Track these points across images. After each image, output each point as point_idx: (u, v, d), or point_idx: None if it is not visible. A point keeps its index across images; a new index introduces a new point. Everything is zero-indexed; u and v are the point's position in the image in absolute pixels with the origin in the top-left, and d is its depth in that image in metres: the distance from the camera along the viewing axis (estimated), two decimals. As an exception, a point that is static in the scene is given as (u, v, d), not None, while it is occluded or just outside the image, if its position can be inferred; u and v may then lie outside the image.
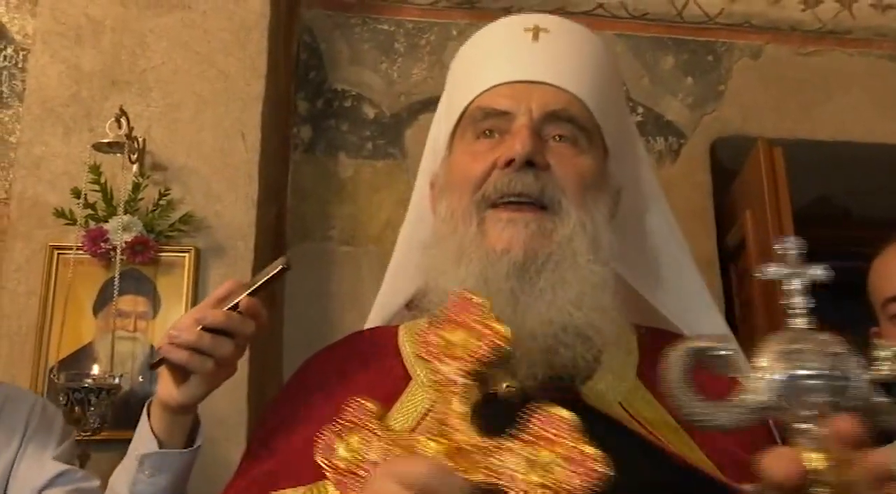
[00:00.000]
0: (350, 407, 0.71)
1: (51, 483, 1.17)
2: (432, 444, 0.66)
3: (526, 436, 0.63)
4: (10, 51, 2.47)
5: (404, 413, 0.91)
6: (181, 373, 0.98)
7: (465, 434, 0.66)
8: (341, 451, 0.69)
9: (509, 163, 0.93)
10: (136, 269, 2.00)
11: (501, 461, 0.63)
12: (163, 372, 1.01)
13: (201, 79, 2.21)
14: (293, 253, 2.46)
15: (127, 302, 1.97)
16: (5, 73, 2.46)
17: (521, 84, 0.99)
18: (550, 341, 0.88)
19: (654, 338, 0.97)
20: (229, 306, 0.96)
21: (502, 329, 0.69)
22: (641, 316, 1.05)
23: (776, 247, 0.73)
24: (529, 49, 1.03)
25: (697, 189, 2.63)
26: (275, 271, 0.96)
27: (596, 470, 0.59)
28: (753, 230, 2.42)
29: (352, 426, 0.70)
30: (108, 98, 2.16)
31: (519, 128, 0.95)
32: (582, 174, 0.96)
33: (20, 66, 2.44)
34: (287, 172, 2.52)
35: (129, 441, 1.87)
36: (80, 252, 1.96)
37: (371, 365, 1.00)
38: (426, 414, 0.89)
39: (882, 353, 0.68)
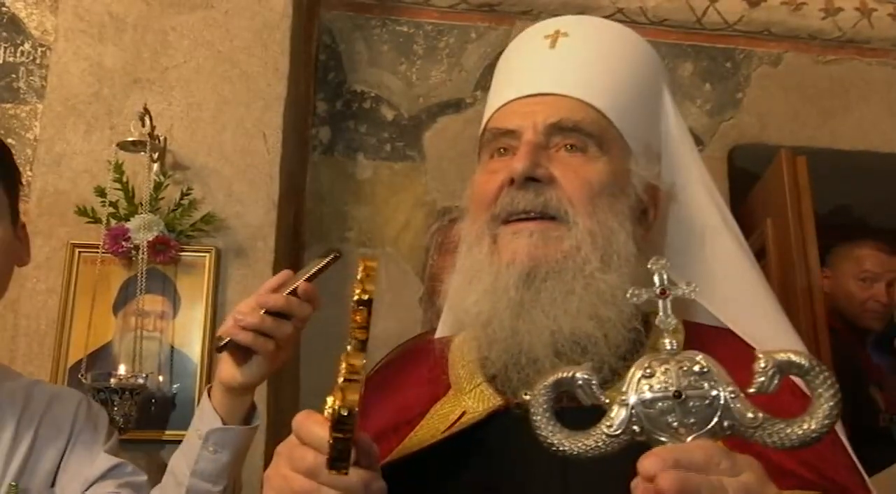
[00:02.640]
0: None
1: (104, 475, 1.19)
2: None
3: None
4: (27, 46, 2.47)
5: (438, 417, 0.94)
6: (242, 355, 1.04)
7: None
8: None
9: (512, 181, 0.94)
10: (156, 269, 1.99)
11: None
12: (224, 356, 1.06)
13: (223, 78, 2.20)
14: (311, 254, 2.46)
15: (147, 302, 1.97)
16: (23, 68, 2.45)
17: (530, 98, 1.00)
18: (551, 351, 0.89)
19: (696, 337, 0.97)
20: (288, 291, 1.01)
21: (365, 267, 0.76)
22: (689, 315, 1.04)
23: (649, 266, 0.73)
24: (544, 59, 1.04)
25: (715, 196, 2.63)
26: (328, 258, 1.03)
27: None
28: (774, 238, 2.42)
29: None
30: (129, 96, 2.15)
31: (521, 145, 0.96)
32: (590, 182, 0.95)
33: (38, 62, 2.44)
34: (306, 173, 2.51)
35: (151, 441, 1.91)
36: (102, 251, 1.95)
37: (422, 374, 1.03)
38: (457, 421, 0.91)
39: (758, 366, 0.67)
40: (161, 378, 1.92)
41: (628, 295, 0.73)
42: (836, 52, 2.80)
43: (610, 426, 0.67)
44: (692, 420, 0.65)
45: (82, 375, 1.76)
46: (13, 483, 1.12)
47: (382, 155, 2.58)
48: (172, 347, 1.98)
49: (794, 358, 0.66)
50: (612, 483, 0.74)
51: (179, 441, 1.87)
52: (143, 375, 1.75)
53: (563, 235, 0.92)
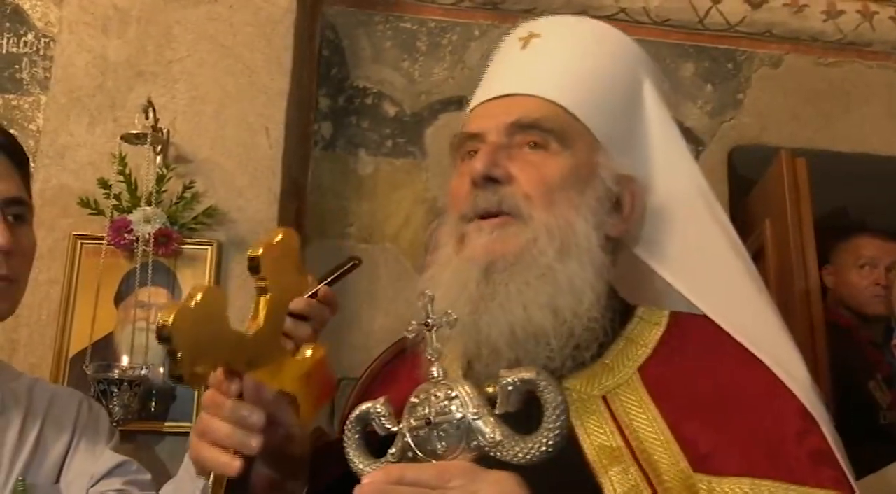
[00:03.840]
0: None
1: (110, 472, 1.20)
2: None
3: None
4: (31, 37, 2.47)
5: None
6: None
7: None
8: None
9: (475, 182, 0.98)
10: (158, 261, 2.00)
11: None
12: None
13: (226, 72, 2.21)
14: (311, 250, 2.47)
15: (148, 294, 1.98)
16: (26, 59, 2.45)
17: (497, 100, 1.04)
18: (510, 342, 0.93)
19: (677, 325, 1.00)
20: (309, 295, 1.05)
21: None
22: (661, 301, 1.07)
23: (417, 301, 0.82)
24: (514, 61, 1.08)
25: (714, 196, 2.63)
26: (348, 266, 1.10)
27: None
28: (773, 239, 2.43)
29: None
30: (133, 89, 2.16)
31: (482, 147, 1.00)
32: (548, 177, 0.98)
33: (41, 53, 2.44)
34: (307, 168, 2.52)
35: (147, 432, 1.92)
36: (107, 243, 1.96)
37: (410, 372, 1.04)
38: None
39: (500, 383, 0.74)
40: (162, 370, 1.93)
41: (406, 332, 0.82)
42: (837, 55, 2.80)
43: (393, 453, 0.76)
44: (445, 443, 0.73)
45: (86, 366, 1.77)
46: (20, 479, 1.13)
47: (384, 151, 2.58)
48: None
49: (524, 374, 0.74)
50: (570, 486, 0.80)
51: (179, 434, 1.91)
52: (145, 367, 1.76)
53: (520, 230, 0.96)
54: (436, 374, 0.76)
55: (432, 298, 0.81)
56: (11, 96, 2.40)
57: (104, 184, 1.99)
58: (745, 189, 2.72)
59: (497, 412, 0.73)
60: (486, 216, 0.97)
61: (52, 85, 2.18)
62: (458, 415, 0.72)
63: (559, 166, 0.99)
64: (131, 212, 1.97)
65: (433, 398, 0.74)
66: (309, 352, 0.92)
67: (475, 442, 0.72)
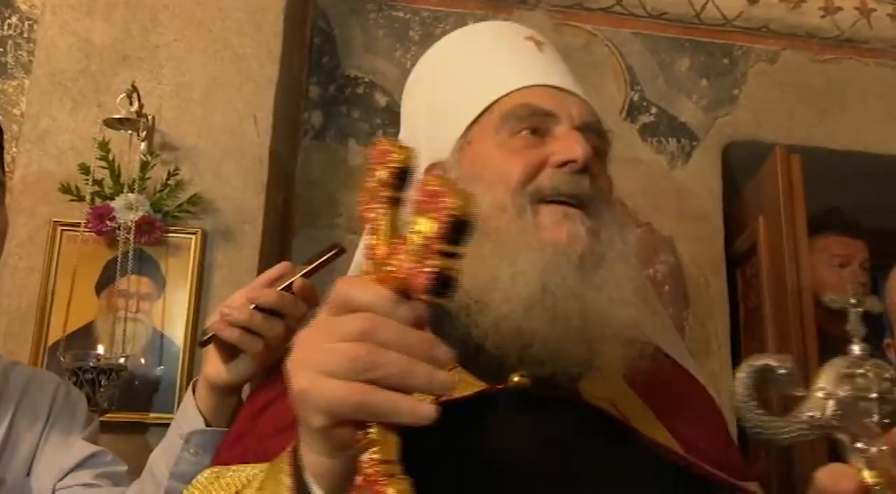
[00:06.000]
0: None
1: (81, 464, 1.15)
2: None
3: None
4: (14, 20, 2.42)
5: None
6: (230, 352, 0.97)
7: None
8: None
9: (565, 164, 0.93)
10: (141, 249, 1.96)
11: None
12: (211, 350, 0.99)
13: (214, 58, 2.16)
14: (299, 240, 2.43)
15: (131, 283, 1.94)
16: (10, 42, 2.40)
17: (556, 89, 0.99)
18: (599, 335, 0.88)
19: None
20: (283, 287, 0.95)
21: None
22: None
23: (849, 283, 0.82)
24: (542, 58, 1.04)
25: (708, 192, 2.61)
26: (329, 254, 0.97)
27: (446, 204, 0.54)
28: (766, 236, 2.41)
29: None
30: (118, 73, 2.11)
31: (568, 132, 0.95)
32: (610, 188, 0.99)
33: (25, 35, 2.39)
34: (296, 157, 2.48)
35: (133, 423, 1.88)
36: (85, 229, 1.91)
37: None
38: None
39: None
40: (143, 360, 1.90)
41: (827, 299, 0.80)
42: (833, 52, 2.78)
43: (813, 416, 0.73)
44: (885, 421, 0.72)
45: (60, 354, 1.73)
46: None
47: (374, 141, 2.54)
48: (157, 329, 1.95)
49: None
50: (613, 469, 0.77)
51: (163, 424, 1.88)
52: (124, 356, 1.72)
53: (600, 229, 0.93)
54: (860, 351, 0.76)
55: (860, 281, 0.83)
56: (-5, 80, 2.35)
57: (85, 169, 1.95)
58: (739, 185, 2.70)
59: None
60: (570, 203, 0.92)
61: (35, 68, 2.14)
62: None
63: (610, 180, 1.00)
64: (114, 199, 1.93)
65: (877, 375, 0.73)
66: None
67: None
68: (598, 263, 0.91)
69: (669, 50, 2.72)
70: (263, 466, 0.75)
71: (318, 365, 0.56)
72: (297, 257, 2.50)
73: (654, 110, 2.66)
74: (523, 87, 0.99)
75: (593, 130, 0.98)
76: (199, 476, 0.85)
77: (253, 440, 0.89)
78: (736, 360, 2.53)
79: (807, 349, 2.18)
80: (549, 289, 0.87)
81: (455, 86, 1.06)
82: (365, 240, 0.68)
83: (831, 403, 0.72)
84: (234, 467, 0.83)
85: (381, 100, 2.58)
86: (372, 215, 0.61)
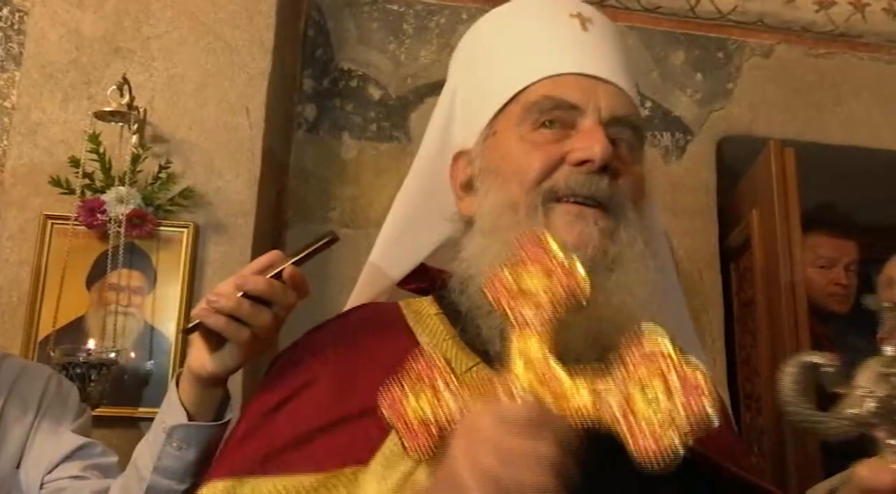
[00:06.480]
0: (417, 359, 0.69)
1: (70, 456, 1.13)
2: (521, 371, 0.65)
3: (619, 372, 0.63)
4: (6, 11, 2.39)
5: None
6: (215, 341, 0.94)
7: (552, 372, 0.65)
8: (412, 403, 0.68)
9: (583, 162, 0.90)
10: (132, 243, 1.95)
11: (600, 395, 0.62)
12: (196, 340, 0.96)
13: (206, 50, 2.15)
14: (292, 234, 2.42)
15: (122, 277, 1.92)
16: (1, 34, 2.38)
17: (588, 78, 0.94)
18: (609, 343, 0.85)
19: None
20: (272, 274, 0.92)
21: (582, 272, 0.68)
22: None
23: (882, 277, 0.82)
24: (582, 39, 0.98)
25: (702, 186, 2.61)
26: (322, 242, 0.94)
27: (705, 392, 0.60)
28: (759, 230, 2.41)
29: (421, 379, 0.68)
30: (109, 65, 2.10)
31: (591, 126, 0.91)
32: (639, 183, 0.95)
33: (17, 27, 2.37)
34: (290, 151, 2.47)
35: (121, 418, 1.87)
36: (76, 223, 1.90)
37: (384, 345, 0.95)
38: None
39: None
40: (134, 354, 1.89)
41: (865, 301, 0.81)
42: (828, 46, 2.78)
43: (856, 413, 0.74)
44: None
45: (50, 349, 1.72)
46: None
47: (368, 135, 2.53)
48: (148, 323, 1.94)
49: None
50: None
51: (153, 419, 1.86)
52: (114, 350, 1.71)
53: (620, 229, 0.90)
54: (891, 352, 0.77)
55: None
56: (-14, 72, 2.33)
57: (75, 162, 1.93)
58: (733, 179, 2.69)
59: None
60: (586, 203, 0.89)
61: (25, 60, 2.12)
62: None
63: (641, 175, 0.96)
64: (105, 192, 1.91)
65: None
66: None
67: None
68: (612, 266, 0.88)
69: (664, 44, 2.72)
70: (288, 482, 0.77)
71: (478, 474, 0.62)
72: (290, 251, 2.47)
73: (648, 104, 2.65)
74: (551, 76, 0.95)
75: (624, 123, 0.94)
76: (210, 490, 0.83)
77: (265, 440, 0.87)
78: (729, 354, 2.53)
79: (799, 343, 2.18)
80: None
81: (488, 71, 1.03)
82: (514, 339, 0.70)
83: (870, 401, 0.74)
84: (250, 481, 0.82)
85: (375, 93, 2.57)
86: (529, 321, 0.67)
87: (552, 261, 0.68)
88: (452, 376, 0.69)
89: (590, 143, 0.89)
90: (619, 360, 0.64)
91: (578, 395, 0.64)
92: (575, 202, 0.89)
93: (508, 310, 0.69)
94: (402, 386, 0.70)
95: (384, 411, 0.70)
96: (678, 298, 1.16)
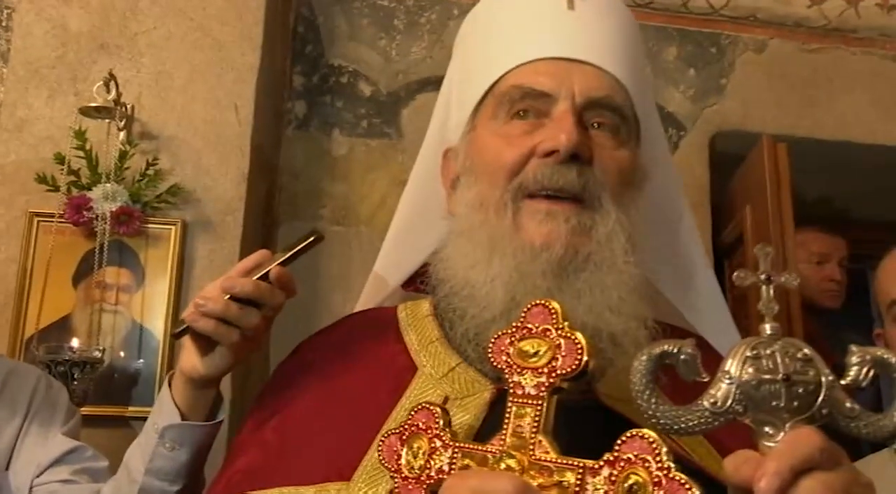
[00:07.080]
0: (416, 410, 0.70)
1: (60, 459, 1.12)
2: (510, 461, 0.64)
3: (609, 456, 0.62)
4: (-6, 8, 2.38)
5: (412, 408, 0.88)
6: (206, 344, 0.95)
7: (545, 450, 0.64)
8: (407, 456, 0.69)
9: (551, 153, 0.86)
10: (120, 240, 1.93)
11: (583, 480, 0.62)
12: (186, 342, 0.96)
13: (194, 47, 2.13)
14: (282, 232, 2.40)
15: (109, 275, 1.91)
16: (-12, 31, 2.36)
17: (562, 61, 0.90)
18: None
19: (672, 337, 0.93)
20: (259, 276, 0.92)
21: (584, 342, 0.66)
22: (658, 312, 1.00)
23: (755, 251, 0.71)
24: (565, 19, 0.94)
25: (695, 182, 2.60)
26: (307, 241, 0.93)
27: None
28: (753, 226, 2.40)
29: (417, 431, 0.69)
30: (96, 61, 2.08)
31: (561, 114, 0.87)
32: (622, 169, 0.89)
33: (3, 24, 2.35)
34: (279, 148, 2.45)
35: (110, 417, 1.85)
36: (62, 220, 1.88)
37: (371, 352, 0.95)
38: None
39: (853, 359, 0.68)
40: (122, 353, 1.87)
41: (734, 278, 0.70)
42: (821, 41, 2.77)
43: (714, 402, 0.66)
44: (795, 405, 0.66)
45: (35, 347, 1.70)
46: None
47: (359, 131, 2.52)
48: (136, 322, 1.92)
49: (885, 356, 0.68)
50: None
51: (143, 418, 1.84)
52: (99, 349, 1.69)
53: (597, 223, 0.86)
54: (770, 331, 0.69)
55: (771, 251, 0.70)
56: (-26, 69, 2.30)
57: (60, 159, 1.91)
58: (726, 175, 2.68)
59: (843, 383, 0.68)
60: (554, 196, 0.86)
61: (11, 55, 2.10)
62: (819, 379, 0.66)
63: (627, 158, 0.90)
64: (91, 189, 1.89)
65: (783, 356, 0.66)
66: None
67: (827, 410, 0.66)
68: (583, 265, 0.84)
69: (657, 39, 2.71)
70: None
71: None
72: (280, 248, 2.46)
73: (641, 100, 2.64)
74: (524, 63, 0.91)
75: (604, 106, 0.89)
76: None
77: (257, 457, 0.88)
78: (723, 351, 2.52)
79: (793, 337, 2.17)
80: (517, 301, 0.81)
81: (473, 61, 1.00)
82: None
83: (731, 388, 0.66)
84: None
85: (366, 89, 2.55)
86: (527, 392, 0.68)
87: (557, 333, 0.67)
88: (449, 434, 0.69)
89: (556, 132, 0.85)
90: (612, 455, 0.62)
91: (564, 479, 0.63)
92: (546, 196, 0.86)
93: (508, 378, 0.68)
94: (401, 437, 0.71)
95: (381, 459, 0.71)
96: (701, 283, 1.08)
